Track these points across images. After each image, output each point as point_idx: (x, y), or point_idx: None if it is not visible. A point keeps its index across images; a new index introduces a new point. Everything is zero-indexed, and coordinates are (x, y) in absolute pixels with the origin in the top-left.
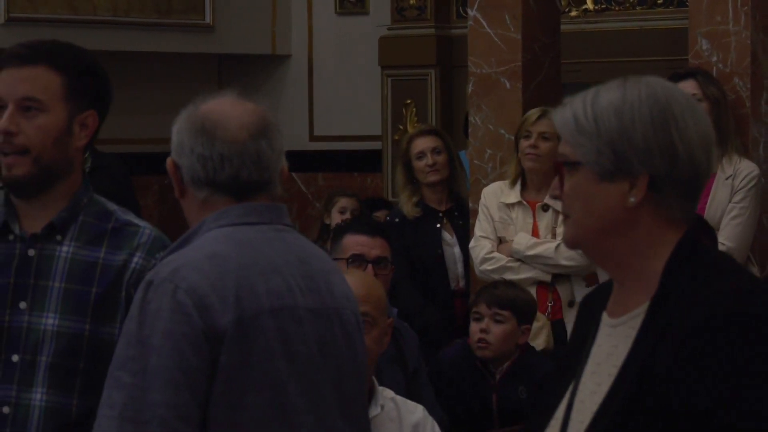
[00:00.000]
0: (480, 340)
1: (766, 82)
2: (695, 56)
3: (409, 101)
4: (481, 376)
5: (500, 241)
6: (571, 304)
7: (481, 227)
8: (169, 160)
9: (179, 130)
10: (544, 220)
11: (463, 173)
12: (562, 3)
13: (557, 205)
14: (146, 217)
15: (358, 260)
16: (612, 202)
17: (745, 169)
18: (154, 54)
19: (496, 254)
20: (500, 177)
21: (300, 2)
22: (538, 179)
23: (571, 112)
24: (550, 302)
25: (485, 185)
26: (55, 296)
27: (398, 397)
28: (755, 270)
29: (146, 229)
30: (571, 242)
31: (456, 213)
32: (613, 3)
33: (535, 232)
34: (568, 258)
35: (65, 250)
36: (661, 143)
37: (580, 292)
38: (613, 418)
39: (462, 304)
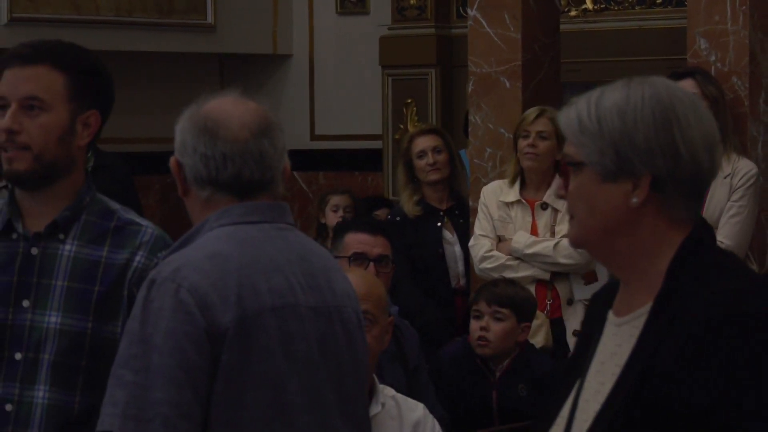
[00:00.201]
0: (480, 338)
1: (764, 82)
2: (694, 56)
3: (409, 100)
4: (481, 374)
5: (499, 239)
6: (569, 302)
7: (480, 226)
8: (172, 159)
9: (182, 129)
10: (543, 218)
11: (464, 172)
12: (562, 3)
13: (556, 203)
14: (148, 216)
15: (359, 258)
16: (615, 202)
17: (743, 167)
18: (156, 54)
19: (495, 253)
20: (500, 176)
21: (301, 2)
22: (536, 178)
23: (576, 113)
24: (549, 300)
25: (485, 184)
26: (58, 294)
27: (399, 395)
28: (754, 268)
29: (148, 228)
30: (575, 242)
31: (457, 212)
32: (612, 3)
33: (534, 231)
34: (567, 256)
35: (68, 248)
36: (663, 144)
37: (579, 290)
38: (615, 417)
39: (462, 302)
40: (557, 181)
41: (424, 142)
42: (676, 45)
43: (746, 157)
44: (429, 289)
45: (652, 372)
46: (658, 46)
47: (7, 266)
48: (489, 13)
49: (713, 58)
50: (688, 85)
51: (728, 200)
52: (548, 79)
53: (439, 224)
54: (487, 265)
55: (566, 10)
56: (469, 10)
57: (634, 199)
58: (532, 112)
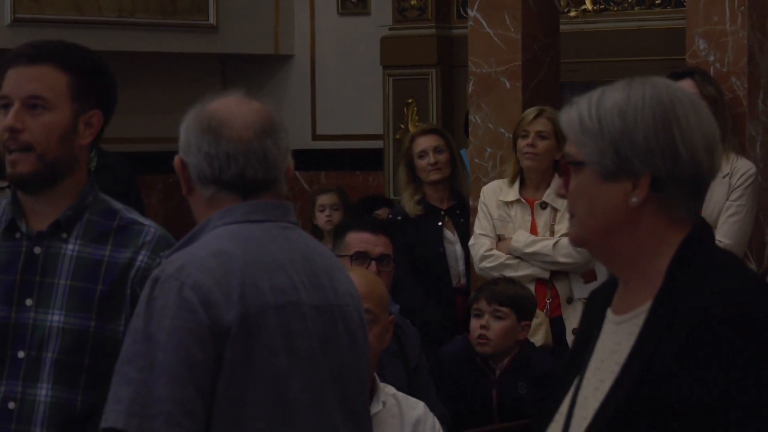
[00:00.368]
0: (480, 336)
1: (762, 82)
2: (693, 56)
3: (410, 100)
4: (482, 372)
5: (499, 238)
6: (569, 300)
7: (480, 225)
8: (177, 158)
9: (187, 128)
10: (543, 217)
11: (465, 172)
12: (562, 3)
13: (555, 202)
14: (151, 215)
15: (361, 258)
16: (615, 201)
17: (742, 167)
18: (158, 54)
19: (495, 252)
20: (500, 175)
21: (302, 3)
22: (536, 177)
23: (577, 113)
24: (549, 299)
25: (485, 183)
26: (61, 293)
27: (399, 394)
28: (752, 267)
29: (151, 227)
30: (575, 240)
31: (457, 211)
32: (611, 3)
33: (533, 230)
34: (566, 255)
35: (71, 247)
36: (662, 144)
37: (578, 289)
38: (615, 415)
39: (463, 301)
40: (558, 181)
41: (425, 142)
42: (675, 45)
43: (745, 157)
44: (430, 288)
45: (652, 370)
46: (657, 46)
47: (11, 265)
48: (489, 14)
49: (712, 58)
50: (686, 85)
51: (727, 200)
52: (548, 79)
53: (440, 223)
54: (486, 264)
55: (566, 10)
56: (469, 11)
57: (634, 199)
58: (531, 112)
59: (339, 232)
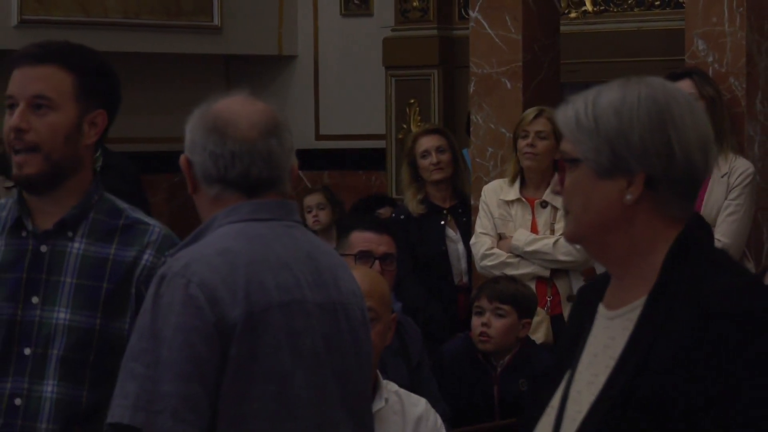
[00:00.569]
0: (482, 334)
1: (761, 82)
2: (692, 56)
3: (412, 101)
4: (483, 369)
5: (500, 237)
6: (569, 298)
7: (481, 224)
8: (182, 157)
9: (192, 128)
10: (543, 216)
11: (467, 171)
12: (562, 4)
13: (555, 201)
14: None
15: (365, 257)
16: (610, 199)
17: (740, 167)
18: (163, 55)
19: (496, 250)
20: (501, 175)
21: (306, 4)
22: (536, 177)
23: (573, 111)
24: (549, 297)
25: (487, 183)
26: (67, 291)
27: (402, 390)
28: (750, 265)
29: (156, 227)
30: (570, 237)
31: (460, 210)
32: (611, 4)
33: (533, 229)
34: (566, 253)
35: (76, 246)
36: (657, 144)
37: (579, 286)
38: (611, 408)
39: (465, 299)
40: (555, 178)
41: (427, 142)
42: (675, 46)
43: (743, 157)
44: (432, 287)
45: (648, 366)
46: (657, 47)
47: (17, 263)
48: (490, 15)
49: (711, 58)
50: (685, 85)
51: (725, 199)
52: (548, 79)
53: (442, 222)
54: (488, 262)
55: (566, 11)
56: (470, 12)
57: (629, 196)
58: (530, 112)
59: (342, 231)
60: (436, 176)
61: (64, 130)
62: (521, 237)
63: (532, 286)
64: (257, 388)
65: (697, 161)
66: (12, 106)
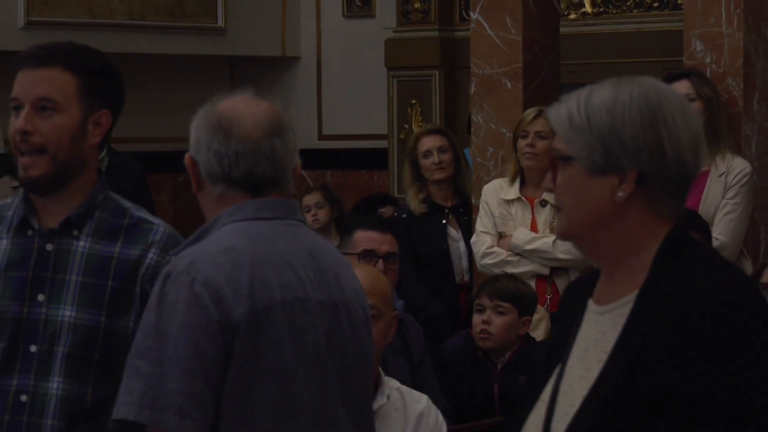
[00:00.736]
0: (482, 331)
1: (758, 82)
2: (690, 57)
3: (414, 101)
4: (483, 366)
5: (500, 236)
6: None
7: (481, 223)
8: (187, 156)
9: (197, 127)
10: (543, 215)
11: (468, 171)
12: (562, 6)
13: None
14: (161, 213)
15: (368, 256)
16: (602, 196)
17: (737, 166)
18: (168, 56)
19: (496, 249)
20: (502, 174)
21: (309, 6)
22: (536, 176)
23: (566, 109)
24: (549, 295)
25: (487, 182)
26: (72, 289)
27: (403, 387)
28: (748, 263)
29: (160, 226)
30: (562, 234)
31: (461, 209)
32: (610, 6)
33: (533, 227)
34: (565, 252)
35: (82, 244)
36: (649, 142)
37: None
38: (605, 401)
39: (466, 297)
40: (548, 176)
41: (429, 142)
42: (673, 47)
43: (740, 156)
44: (434, 285)
45: (641, 359)
46: (655, 48)
47: (23, 262)
48: (491, 16)
49: (709, 59)
50: (683, 85)
51: (723, 198)
52: (548, 80)
53: (444, 221)
54: (488, 261)
55: (566, 13)
56: (471, 13)
57: (620, 194)
58: (530, 112)
59: (346, 230)
60: (438, 176)
61: (69, 131)
62: (521, 236)
63: (532, 284)
64: (261, 385)
65: (688, 160)
66: (17, 108)
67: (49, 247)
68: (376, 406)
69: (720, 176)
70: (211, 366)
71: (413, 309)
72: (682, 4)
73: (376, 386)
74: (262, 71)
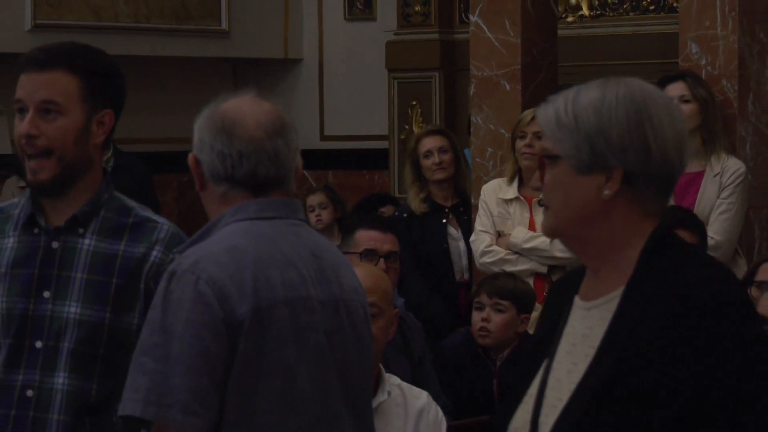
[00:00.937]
0: (481, 329)
1: (752, 84)
2: (685, 59)
3: (414, 102)
4: (483, 363)
5: (499, 234)
6: None
7: (480, 222)
8: (190, 156)
9: (200, 127)
10: (540, 214)
11: (468, 171)
12: (559, 9)
13: None
14: (166, 212)
15: (370, 255)
16: (588, 194)
17: (732, 166)
18: (172, 58)
19: (495, 247)
20: (501, 174)
21: (311, 9)
22: (534, 176)
23: (553, 109)
24: (547, 292)
25: (486, 182)
26: (78, 286)
27: (404, 384)
28: (743, 262)
29: (164, 225)
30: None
31: (461, 209)
32: (607, 9)
33: (531, 226)
34: (563, 250)
35: (87, 242)
36: (635, 141)
37: None
38: (593, 395)
39: (466, 295)
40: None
41: (430, 143)
42: (669, 49)
43: (735, 157)
44: (434, 283)
45: (629, 354)
46: (652, 50)
47: (29, 259)
48: (490, 19)
49: (704, 61)
50: (679, 87)
51: (718, 197)
52: (546, 81)
53: (444, 221)
54: (487, 259)
55: (563, 16)
56: (471, 16)
57: (607, 192)
58: (528, 113)
59: (348, 230)
60: (439, 176)
61: (74, 132)
62: (519, 234)
63: (531, 282)
64: (264, 382)
65: (673, 159)
66: (21, 110)
67: (55, 244)
68: (377, 402)
69: (715, 176)
70: (216, 363)
71: (414, 307)
72: (677, 7)
73: (378, 383)
74: (265, 73)
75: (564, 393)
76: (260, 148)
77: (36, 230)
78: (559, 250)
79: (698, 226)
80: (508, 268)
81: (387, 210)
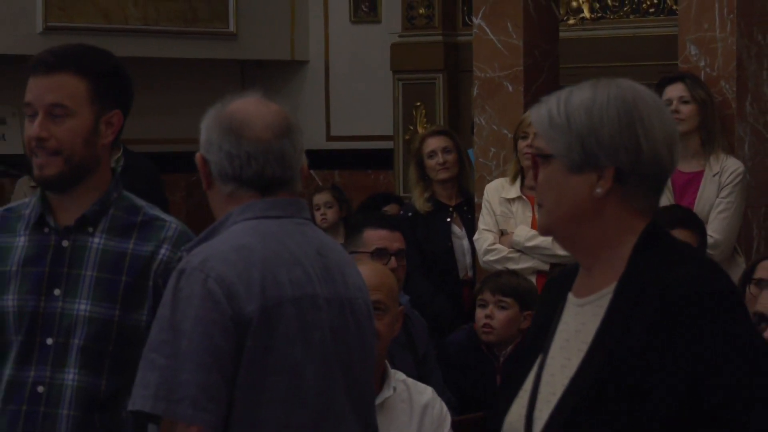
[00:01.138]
0: (485, 326)
1: (750, 85)
2: (684, 61)
3: (418, 103)
4: (486, 359)
5: (502, 233)
6: None
7: (484, 221)
8: (198, 155)
9: (208, 127)
10: None
11: (472, 170)
12: (561, 12)
13: None
14: (174, 211)
15: (381, 254)
16: (580, 192)
17: (731, 166)
18: (181, 60)
19: (498, 246)
20: (503, 174)
21: (317, 11)
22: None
23: (546, 110)
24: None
25: (490, 181)
26: (87, 284)
27: (409, 379)
28: (741, 260)
29: (172, 223)
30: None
31: (465, 208)
32: (608, 12)
33: (534, 225)
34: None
35: (96, 241)
36: (626, 140)
37: None
38: (587, 389)
39: (470, 292)
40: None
41: (434, 143)
42: (668, 51)
43: (733, 156)
44: (438, 281)
45: (621, 349)
46: (651, 52)
47: (40, 258)
48: (493, 22)
49: (703, 63)
50: (678, 88)
51: (717, 197)
52: (548, 83)
53: (448, 219)
54: (490, 257)
55: (565, 18)
56: (474, 19)
57: (598, 190)
58: (529, 114)
59: (354, 229)
60: (443, 175)
61: (83, 133)
62: (522, 233)
63: (533, 279)
64: (271, 379)
65: (664, 157)
66: (31, 113)
67: (65, 243)
68: (382, 397)
69: (714, 176)
70: (225, 359)
71: (419, 304)
72: (677, 9)
73: (383, 379)
74: (272, 74)
75: (558, 388)
76: (268, 149)
77: (46, 229)
78: (560, 248)
79: (698, 225)
80: (511, 266)
81: (390, 209)
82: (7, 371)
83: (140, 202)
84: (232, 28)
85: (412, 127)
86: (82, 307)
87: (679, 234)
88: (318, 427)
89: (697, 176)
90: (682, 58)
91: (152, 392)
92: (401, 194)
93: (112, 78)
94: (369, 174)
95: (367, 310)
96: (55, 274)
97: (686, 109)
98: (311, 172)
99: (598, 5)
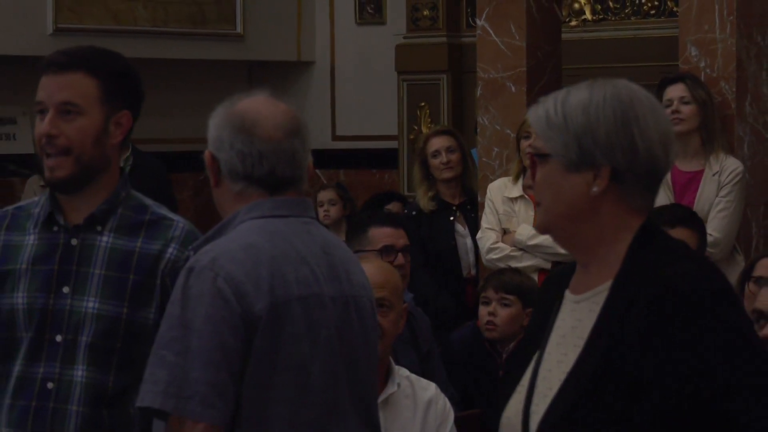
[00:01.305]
0: (488, 323)
1: (750, 86)
2: (685, 62)
3: (423, 104)
4: (489, 356)
5: (504, 232)
6: None
7: (487, 220)
8: (207, 153)
9: (218, 125)
10: None
11: (475, 170)
12: (563, 13)
13: None
14: (182, 210)
15: (388, 251)
16: (577, 190)
17: (730, 165)
18: (189, 61)
19: (500, 244)
20: (506, 173)
21: (323, 13)
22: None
23: (543, 109)
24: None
25: (492, 181)
26: (96, 282)
27: (413, 376)
28: (740, 258)
29: (180, 222)
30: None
31: (468, 206)
32: (609, 13)
33: (536, 224)
34: None
35: (105, 239)
36: (622, 139)
37: None
38: (583, 384)
39: (473, 290)
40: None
41: (438, 143)
42: (669, 52)
43: (733, 156)
44: (442, 279)
45: (617, 345)
46: (652, 53)
47: (49, 256)
48: (496, 23)
49: (703, 64)
50: (678, 89)
51: (716, 196)
52: (551, 83)
53: (451, 218)
54: (493, 255)
55: (567, 20)
56: (477, 20)
57: (595, 188)
58: None
59: (359, 228)
60: (446, 174)
61: (93, 132)
62: (524, 232)
63: (535, 277)
64: (279, 376)
65: (659, 156)
66: (42, 112)
67: (74, 242)
68: (387, 393)
69: (714, 175)
70: (234, 357)
71: (422, 302)
72: (677, 11)
73: (387, 375)
74: (278, 75)
75: (554, 383)
76: (278, 148)
77: (55, 228)
78: None
79: (698, 224)
80: (514, 264)
81: (393, 207)
82: (17, 368)
83: (148, 201)
84: (239, 29)
85: (416, 127)
86: (91, 304)
87: (680, 233)
88: (323, 424)
89: (697, 176)
90: (683, 59)
91: (162, 389)
92: (406, 193)
93: (122, 79)
94: (374, 173)
95: (370, 308)
96: (64, 272)
97: (687, 110)
98: (317, 171)
99: (599, 7)
